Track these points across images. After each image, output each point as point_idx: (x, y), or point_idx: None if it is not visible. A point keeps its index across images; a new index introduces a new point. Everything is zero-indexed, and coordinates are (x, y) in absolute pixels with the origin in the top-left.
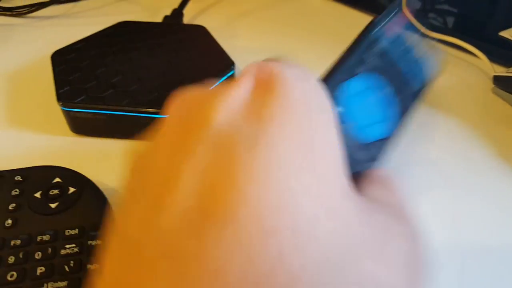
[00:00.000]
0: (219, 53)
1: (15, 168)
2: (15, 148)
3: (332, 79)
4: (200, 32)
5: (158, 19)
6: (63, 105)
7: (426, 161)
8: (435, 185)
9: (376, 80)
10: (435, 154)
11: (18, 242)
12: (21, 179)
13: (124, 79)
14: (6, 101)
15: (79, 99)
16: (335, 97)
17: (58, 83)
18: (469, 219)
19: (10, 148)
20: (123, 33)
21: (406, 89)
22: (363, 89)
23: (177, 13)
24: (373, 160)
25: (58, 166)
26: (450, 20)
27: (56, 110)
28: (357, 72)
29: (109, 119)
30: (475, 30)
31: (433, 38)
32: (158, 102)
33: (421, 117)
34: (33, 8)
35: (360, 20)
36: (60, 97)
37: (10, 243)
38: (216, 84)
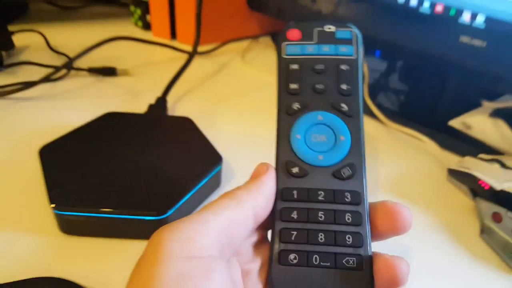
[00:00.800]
0: (207, 146)
1: (9, 277)
2: (3, 250)
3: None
4: (187, 124)
5: (139, 102)
6: (56, 208)
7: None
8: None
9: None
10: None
11: None
12: None
13: (115, 178)
14: None
15: (72, 202)
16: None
17: (49, 184)
18: None
19: None
20: (110, 126)
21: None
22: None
23: (161, 101)
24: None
25: (55, 278)
26: (403, 106)
27: (43, 208)
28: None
29: (101, 221)
30: (425, 117)
31: (387, 125)
32: (150, 204)
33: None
34: (10, 89)
35: None
36: (53, 200)
37: None
38: (204, 181)
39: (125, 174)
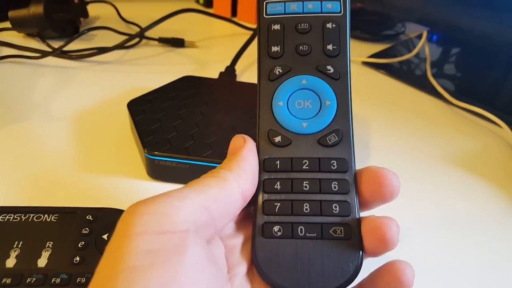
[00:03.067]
0: None
1: (88, 207)
2: (92, 188)
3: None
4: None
5: (207, 71)
6: (149, 153)
7: (451, 215)
8: (456, 236)
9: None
10: (459, 207)
11: (83, 280)
12: (91, 219)
13: (200, 131)
14: (79, 144)
15: (164, 148)
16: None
17: (141, 132)
18: (489, 269)
19: (86, 188)
20: (189, 87)
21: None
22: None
23: (230, 69)
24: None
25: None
26: (466, 86)
27: (132, 155)
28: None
29: (190, 168)
30: (490, 99)
31: (458, 107)
32: None
33: (447, 177)
34: (87, 53)
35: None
36: (146, 146)
37: (76, 280)
38: None
39: (210, 128)
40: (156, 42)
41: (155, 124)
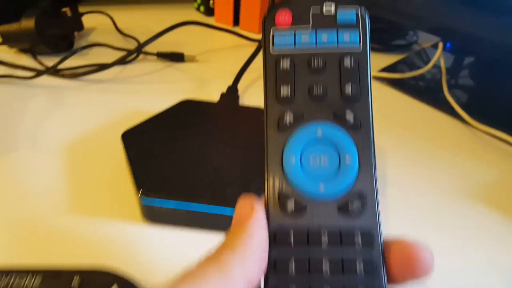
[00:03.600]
0: None
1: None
2: (81, 235)
3: None
4: (261, 115)
5: (207, 89)
6: (143, 197)
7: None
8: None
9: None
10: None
11: None
12: (78, 284)
13: (200, 168)
14: (69, 180)
15: (160, 191)
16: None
17: (135, 171)
18: None
19: (74, 235)
20: (186, 114)
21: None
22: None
23: (232, 90)
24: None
25: (117, 275)
26: (485, 105)
27: (126, 192)
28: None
29: (188, 213)
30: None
31: (472, 126)
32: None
33: (467, 215)
34: (81, 71)
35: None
36: (140, 188)
37: None
38: None
39: (210, 164)
40: (154, 57)
41: (151, 160)
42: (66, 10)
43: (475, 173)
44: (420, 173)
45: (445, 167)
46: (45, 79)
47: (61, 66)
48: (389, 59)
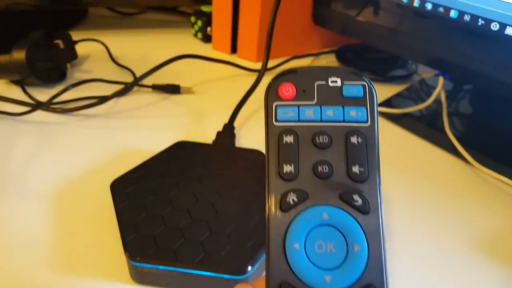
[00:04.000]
0: None
1: None
2: None
3: None
4: (258, 158)
5: (204, 123)
6: (132, 259)
7: None
8: None
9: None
10: None
11: None
12: None
13: (193, 223)
14: (55, 232)
15: (149, 252)
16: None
17: (123, 228)
18: None
19: None
20: (181, 158)
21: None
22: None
23: (228, 127)
24: None
25: None
26: (486, 142)
27: (114, 247)
28: None
29: (179, 275)
30: None
31: (476, 168)
32: (230, 262)
33: (476, 270)
34: (73, 106)
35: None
36: (128, 249)
37: None
38: None
39: (204, 218)
40: (149, 89)
41: (141, 215)
42: (59, 42)
43: (477, 219)
44: (420, 218)
45: (446, 212)
46: (34, 114)
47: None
48: (388, 90)
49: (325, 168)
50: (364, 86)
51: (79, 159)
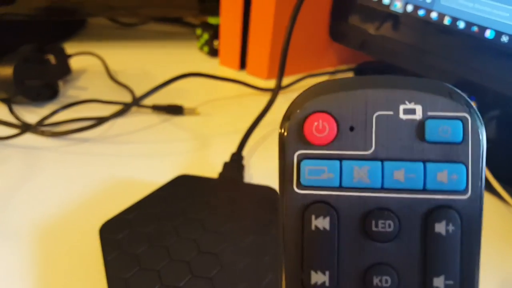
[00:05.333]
0: None
1: None
2: None
3: None
4: (270, 197)
5: (209, 150)
6: None
7: None
8: None
9: None
10: None
11: None
12: None
13: (194, 282)
14: (35, 279)
15: None
16: None
17: (112, 285)
18: None
19: None
20: (182, 197)
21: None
22: None
23: (237, 157)
24: None
25: None
26: None
27: None
28: None
29: None
30: None
31: None
32: None
33: None
34: (63, 130)
35: None
36: None
37: None
38: None
39: (203, 276)
40: (149, 109)
41: (133, 269)
42: (50, 57)
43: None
44: None
45: (485, 255)
46: (21, 137)
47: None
48: None
49: (386, 280)
50: (465, 121)
51: (67, 191)
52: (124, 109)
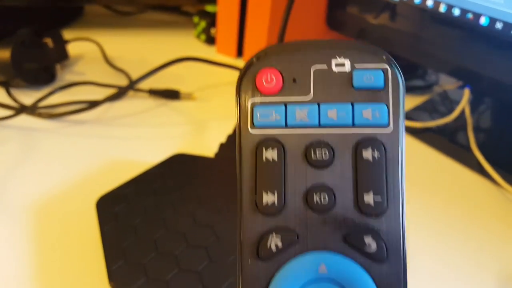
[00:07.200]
0: None
1: None
2: None
3: None
4: None
5: (205, 133)
6: None
7: None
8: None
9: None
10: None
11: None
12: None
13: (189, 251)
14: (34, 256)
15: (138, 283)
16: None
17: (108, 254)
18: None
19: None
20: (178, 173)
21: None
22: None
23: (233, 139)
24: None
25: None
26: None
27: (98, 280)
28: None
29: None
30: None
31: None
32: None
33: None
34: (60, 111)
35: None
36: (113, 278)
37: None
38: None
39: (202, 244)
40: (146, 94)
41: (129, 239)
42: (48, 40)
43: (508, 248)
44: (443, 248)
45: (477, 240)
46: (18, 119)
47: (39, 104)
48: (408, 102)
49: (324, 197)
50: (385, 71)
51: (64, 170)
52: (121, 92)
